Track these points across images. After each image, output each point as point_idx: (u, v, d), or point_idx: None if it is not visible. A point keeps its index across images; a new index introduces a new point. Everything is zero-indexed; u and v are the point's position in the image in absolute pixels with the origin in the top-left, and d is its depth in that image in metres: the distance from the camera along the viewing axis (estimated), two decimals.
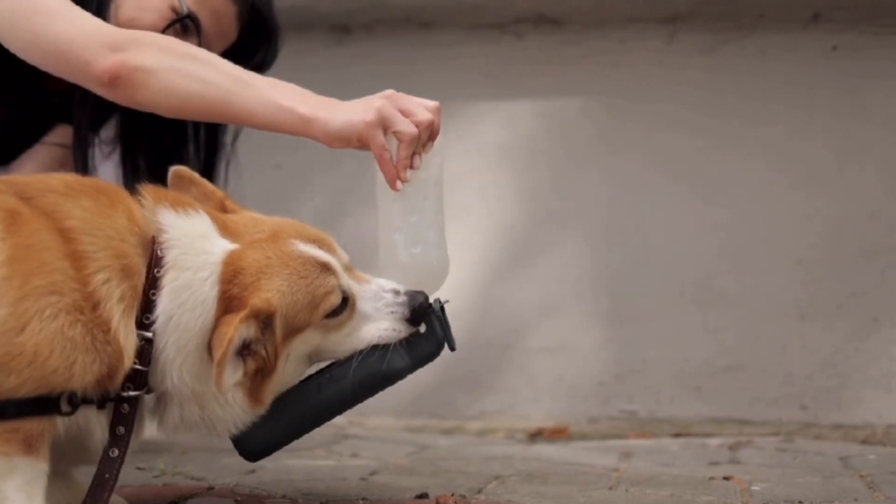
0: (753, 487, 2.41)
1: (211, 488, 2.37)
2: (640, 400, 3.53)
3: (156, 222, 1.90)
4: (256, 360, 1.88)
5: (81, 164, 2.53)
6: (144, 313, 1.84)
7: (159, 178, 2.66)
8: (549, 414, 3.54)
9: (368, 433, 3.37)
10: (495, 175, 3.65)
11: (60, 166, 2.58)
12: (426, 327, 2.02)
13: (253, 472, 2.56)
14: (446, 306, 2.05)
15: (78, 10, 2.17)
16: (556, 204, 3.61)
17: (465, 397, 3.60)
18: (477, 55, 3.67)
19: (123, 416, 1.85)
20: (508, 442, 3.34)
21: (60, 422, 1.79)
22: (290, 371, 1.95)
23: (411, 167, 2.06)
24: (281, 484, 2.43)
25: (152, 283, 1.84)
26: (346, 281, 1.97)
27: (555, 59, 3.63)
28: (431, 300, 2.03)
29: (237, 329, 1.81)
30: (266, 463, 2.63)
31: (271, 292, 1.88)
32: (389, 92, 2.07)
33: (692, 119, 3.56)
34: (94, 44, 2.10)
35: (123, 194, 1.93)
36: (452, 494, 2.29)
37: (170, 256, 1.87)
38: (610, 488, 2.43)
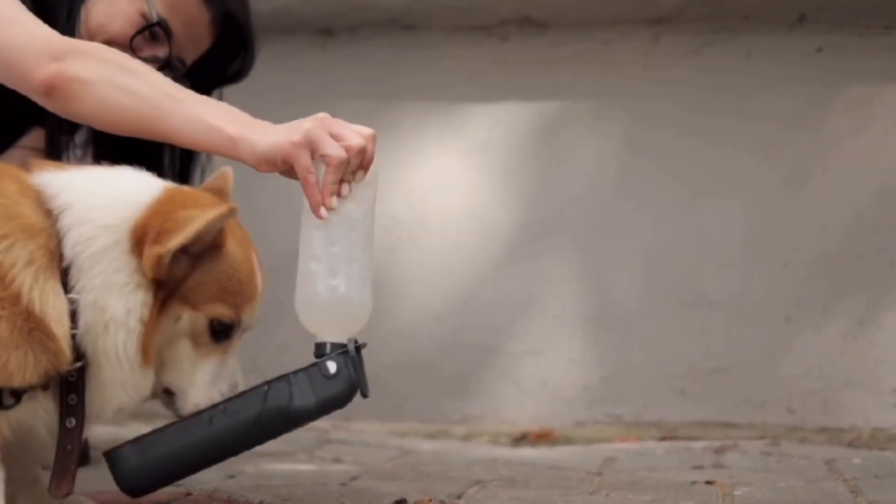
0: (735, 492, 2.40)
1: (189, 494, 2.36)
2: (626, 403, 3.52)
3: (44, 183, 1.85)
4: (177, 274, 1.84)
5: None
6: (65, 276, 1.79)
7: None
8: (534, 418, 3.53)
9: (352, 437, 3.35)
10: (480, 176, 3.64)
11: None
12: (337, 369, 1.93)
13: (232, 477, 2.54)
14: (363, 350, 1.97)
15: (31, 18, 2.11)
16: (540, 205, 3.60)
17: (449, 401, 3.58)
18: (462, 57, 3.65)
19: (72, 384, 1.81)
20: (493, 446, 3.33)
21: (5, 423, 1.76)
22: (165, 338, 1.86)
23: (339, 195, 1.95)
24: (260, 489, 2.41)
25: (59, 241, 1.79)
26: (249, 324, 1.94)
27: (540, 61, 3.61)
28: (346, 340, 1.96)
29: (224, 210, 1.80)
30: (246, 467, 2.63)
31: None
32: (322, 115, 1.97)
33: (677, 120, 3.54)
34: (36, 52, 2.04)
35: (10, 166, 1.89)
36: (431, 500, 2.27)
37: (62, 201, 1.82)
38: (591, 493, 2.42)
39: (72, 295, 1.78)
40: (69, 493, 1.84)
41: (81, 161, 2.62)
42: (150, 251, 1.79)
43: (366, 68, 3.66)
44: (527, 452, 3.18)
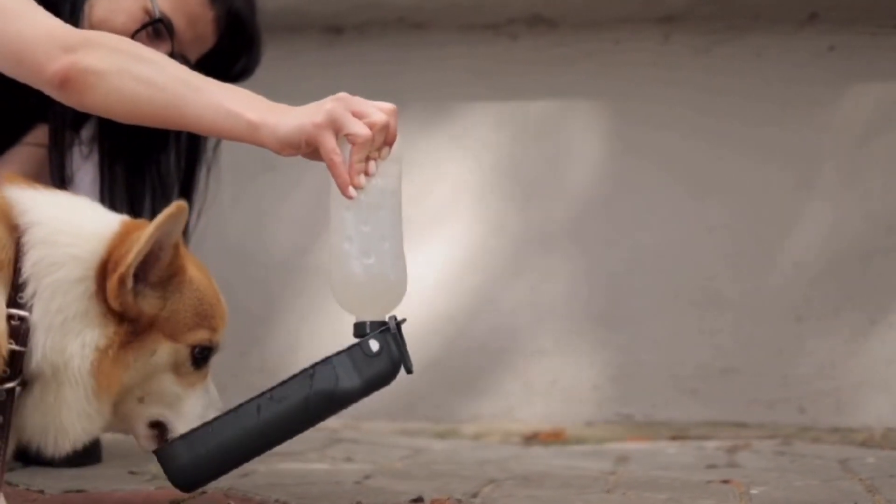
0: (752, 491, 2.39)
1: (204, 492, 2.33)
2: (636, 403, 3.51)
3: (13, 198, 1.83)
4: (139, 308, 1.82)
5: (58, 165, 2.48)
6: (17, 291, 1.76)
7: (138, 184, 2.62)
8: (544, 417, 3.52)
9: (362, 437, 3.34)
10: (488, 176, 3.63)
11: (41, 166, 2.53)
12: (379, 347, 1.91)
13: (246, 475, 2.53)
14: (403, 326, 1.95)
15: (40, 11, 2.07)
16: (549, 205, 3.59)
17: (459, 400, 3.57)
18: (470, 56, 3.64)
19: (1, 403, 1.76)
20: (504, 446, 3.31)
21: None
22: (140, 374, 1.85)
23: (366, 173, 1.92)
24: (274, 488, 2.40)
25: (18, 255, 1.76)
26: (221, 345, 1.93)
27: (549, 60, 3.60)
28: (387, 317, 1.94)
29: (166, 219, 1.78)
30: (259, 467, 2.62)
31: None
32: (341, 94, 1.93)
33: (687, 120, 3.54)
34: (47, 45, 1.99)
35: None
36: (448, 498, 2.26)
37: (30, 218, 1.81)
38: (607, 492, 2.41)
39: (21, 312, 1.76)
40: None
41: (88, 158, 2.60)
42: (112, 279, 1.77)
43: (374, 67, 3.65)
44: (538, 452, 3.17)
